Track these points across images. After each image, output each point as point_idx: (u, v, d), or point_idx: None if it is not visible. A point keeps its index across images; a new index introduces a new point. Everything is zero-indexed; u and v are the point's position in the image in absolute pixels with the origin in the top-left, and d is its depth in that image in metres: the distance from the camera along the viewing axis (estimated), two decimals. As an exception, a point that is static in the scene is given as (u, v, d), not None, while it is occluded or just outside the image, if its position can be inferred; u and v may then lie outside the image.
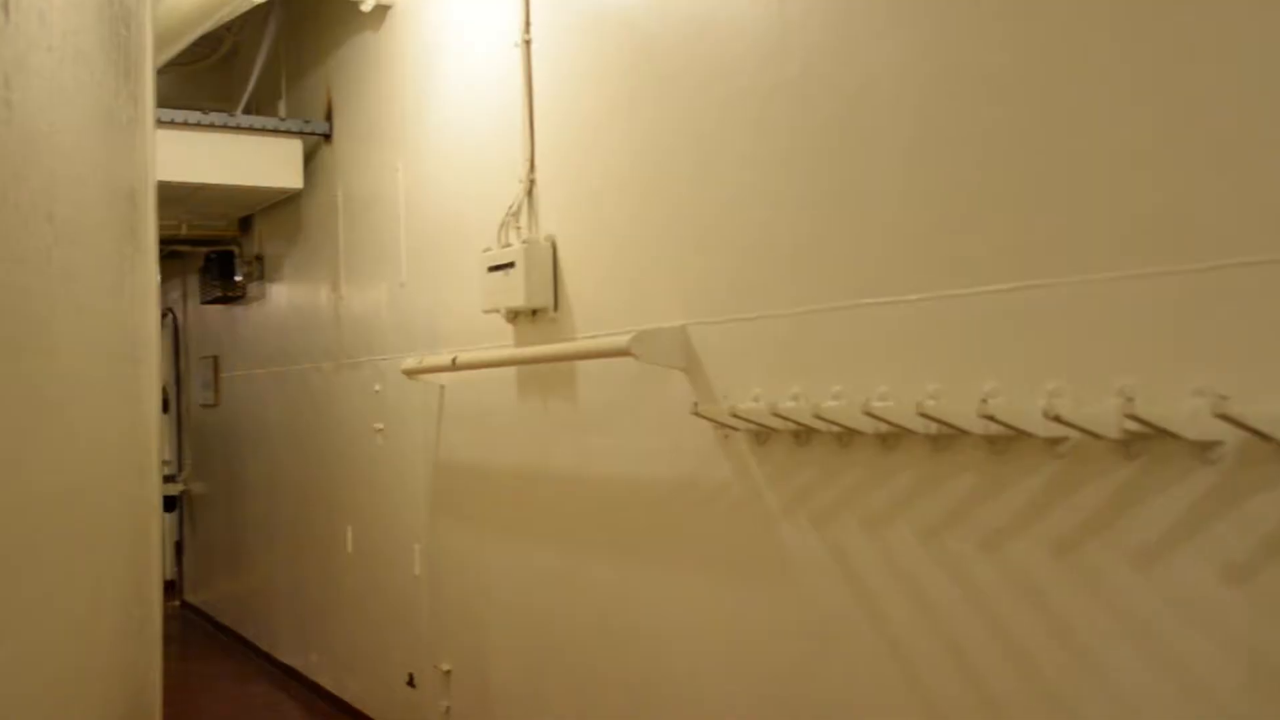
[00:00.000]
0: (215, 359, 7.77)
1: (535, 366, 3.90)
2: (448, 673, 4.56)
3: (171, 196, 5.80)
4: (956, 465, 2.35)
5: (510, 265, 3.83)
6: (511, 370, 4.03)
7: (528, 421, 3.97)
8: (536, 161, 3.91)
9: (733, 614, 3.00)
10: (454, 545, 4.54)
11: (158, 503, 2.66)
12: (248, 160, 5.61)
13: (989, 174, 2.28)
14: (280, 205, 6.44)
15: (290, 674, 6.38)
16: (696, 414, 2.93)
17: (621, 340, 3.15)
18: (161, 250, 7.49)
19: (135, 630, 2.85)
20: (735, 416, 2.79)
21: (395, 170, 5.02)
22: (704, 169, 3.09)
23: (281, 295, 6.56)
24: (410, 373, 4.53)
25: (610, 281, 3.53)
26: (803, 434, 2.73)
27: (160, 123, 5.23)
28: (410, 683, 4.87)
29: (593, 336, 3.53)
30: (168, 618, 9.03)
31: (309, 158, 5.95)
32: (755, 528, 2.91)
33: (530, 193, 3.94)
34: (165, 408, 9.29)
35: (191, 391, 8.45)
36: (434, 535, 4.70)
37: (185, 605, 8.71)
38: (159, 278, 5.06)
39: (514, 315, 3.96)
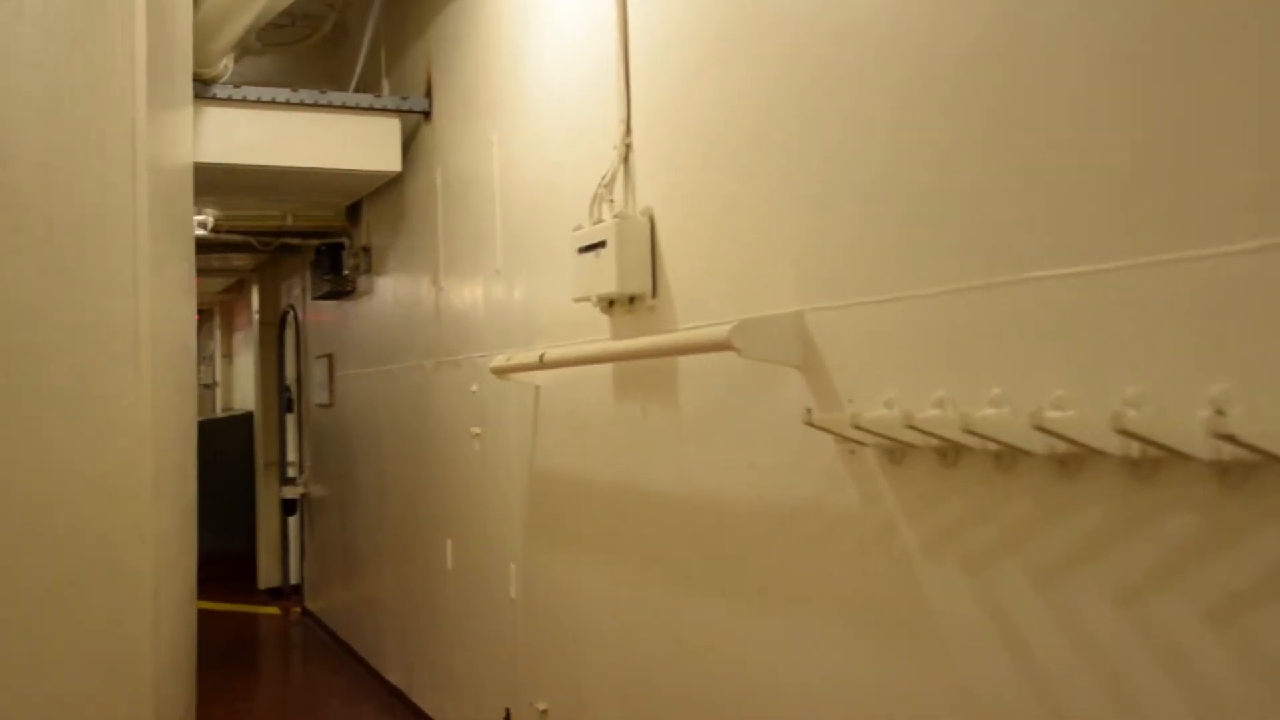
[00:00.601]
0: (330, 357, 7.44)
1: (631, 364, 3.33)
2: (544, 712, 4.02)
3: (264, 183, 5.43)
4: (1168, 501, 1.67)
5: (601, 245, 3.26)
6: (608, 369, 3.47)
7: (624, 428, 3.39)
8: (633, 123, 3.33)
9: (862, 674, 2.36)
10: (549, 567, 3.99)
11: (146, 532, 2.23)
12: (341, 142, 5.19)
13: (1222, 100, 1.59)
14: (384, 192, 6.03)
15: (396, 695, 5.96)
16: (810, 424, 2.30)
17: (720, 331, 2.54)
18: (269, 243, 7.21)
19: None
20: (860, 428, 2.15)
21: (490, 144, 4.51)
22: (821, 119, 2.46)
23: (387, 288, 6.15)
24: (499, 371, 4.00)
25: (716, 261, 2.92)
26: (950, 451, 2.08)
27: (245, 102, 4.84)
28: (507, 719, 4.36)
29: (695, 327, 2.93)
30: (290, 625, 8.85)
31: (410, 139, 5.51)
32: (889, 570, 2.26)
33: (626, 159, 3.36)
34: (290, 407, 9.08)
35: (311, 391, 8.17)
36: (530, 554, 4.17)
37: (306, 613, 8.44)
38: (192, 268, 4.68)
39: (609, 304, 3.39)
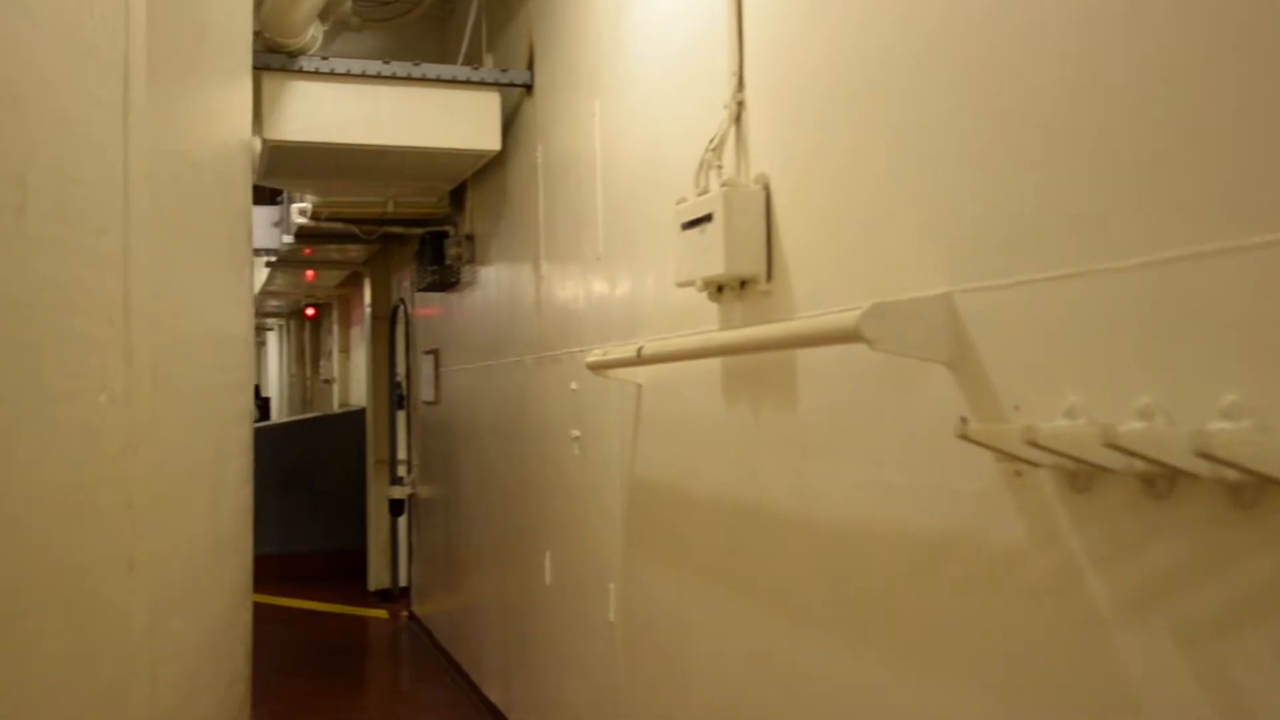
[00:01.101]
0: (436, 352, 7.11)
1: (741, 360, 2.83)
2: (643, 753, 3.55)
3: (358, 165, 5.08)
4: None
5: (707, 219, 2.77)
6: (715, 366, 2.98)
7: (734, 434, 2.90)
8: (746, 76, 2.83)
9: (1028, 761, 1.82)
10: (650, 590, 3.52)
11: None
12: (438, 119, 4.80)
13: None
14: (486, 175, 5.64)
15: (494, 714, 5.57)
16: (966, 437, 1.77)
17: (848, 319, 2.03)
18: (372, 232, 6.91)
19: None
20: (1035, 445, 1.62)
21: (591, 115, 4.06)
22: (987, 47, 1.93)
23: (490, 279, 5.76)
24: (595, 368, 3.55)
25: (844, 234, 2.41)
26: (1161, 478, 1.54)
27: (333, 75, 4.49)
28: (605, 755, 3.90)
29: (818, 315, 2.42)
30: (396, 630, 8.59)
31: (511, 117, 5.10)
32: (1070, 631, 1.72)
33: (738, 119, 2.86)
34: (401, 404, 8.81)
35: (419, 387, 7.87)
36: (630, 574, 3.70)
37: (412, 618, 8.15)
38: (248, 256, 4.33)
39: (717, 290, 2.90)
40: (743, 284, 2.79)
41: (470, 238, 6.06)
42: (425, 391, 7.48)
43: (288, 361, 15.35)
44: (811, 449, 2.51)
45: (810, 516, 2.51)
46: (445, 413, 6.93)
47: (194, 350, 2.53)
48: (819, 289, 2.50)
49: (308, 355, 14.37)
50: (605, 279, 3.94)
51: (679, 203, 2.96)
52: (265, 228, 8.03)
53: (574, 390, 4.24)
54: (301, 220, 6.33)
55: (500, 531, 5.53)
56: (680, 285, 2.94)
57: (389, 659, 7.74)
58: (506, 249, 5.40)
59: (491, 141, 4.92)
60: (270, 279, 10.35)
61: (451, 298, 6.62)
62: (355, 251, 8.67)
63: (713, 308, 2.96)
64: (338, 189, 5.79)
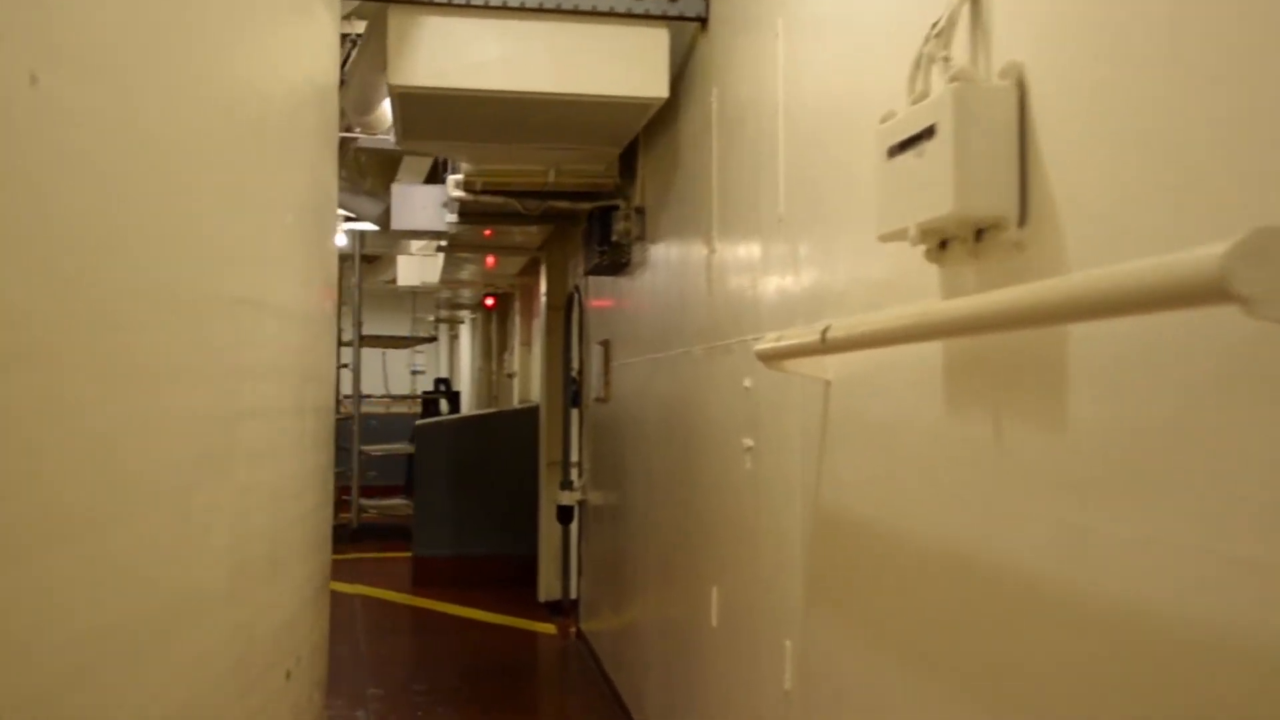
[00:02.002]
0: (606, 344, 6.35)
1: (974, 344, 1.91)
2: None
3: (503, 119, 4.34)
4: None
5: (927, 135, 1.86)
6: (934, 354, 2.06)
7: (961, 456, 1.98)
8: (989, -77, 1.91)
9: None
10: (838, 659, 2.62)
11: None
12: (594, 60, 4.01)
13: None
14: (658, 133, 4.84)
15: (655, 766, 4.76)
16: None
17: (1199, 260, 1.10)
18: (534, 208, 6.19)
19: None
20: None
21: (774, 36, 3.18)
22: None
23: (660, 257, 4.95)
24: (768, 358, 2.67)
25: (1154, 147, 1.46)
26: None
27: (469, 8, 3.76)
28: None
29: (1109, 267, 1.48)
30: (563, 648, 7.89)
31: (684, 59, 4.27)
32: None
33: (975, -9, 1.94)
34: (575, 401, 8.10)
35: (589, 383, 7.14)
36: (812, 632, 2.81)
37: (580, 636, 7.43)
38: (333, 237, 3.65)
39: (939, 245, 1.98)
40: (979, 233, 1.87)
41: (640, 211, 5.26)
42: (595, 387, 6.75)
43: (476, 354, 15.01)
44: (1093, 489, 1.57)
45: (1089, 596, 1.58)
46: (614, 411, 6.16)
47: (213, 325, 1.84)
48: (1108, 233, 1.56)
49: (493, 348, 13.95)
50: (787, 246, 3.05)
51: (884, 120, 2.06)
52: (433, 208, 7.46)
53: (747, 388, 3.38)
54: (457, 194, 5.66)
55: (665, 552, 4.71)
56: (885, 239, 2.04)
57: (552, 685, 7.04)
58: (677, 221, 4.57)
59: (658, 87, 4.09)
60: (451, 266, 9.84)
61: (621, 282, 5.85)
62: (530, 234, 8.02)
63: (930, 272, 2.05)
64: (487, 154, 5.07)
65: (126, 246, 1.52)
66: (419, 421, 9.83)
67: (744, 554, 3.44)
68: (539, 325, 9.24)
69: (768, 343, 2.65)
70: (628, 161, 5.42)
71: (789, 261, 3.03)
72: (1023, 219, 1.77)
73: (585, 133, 4.62)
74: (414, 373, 17.69)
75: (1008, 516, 1.82)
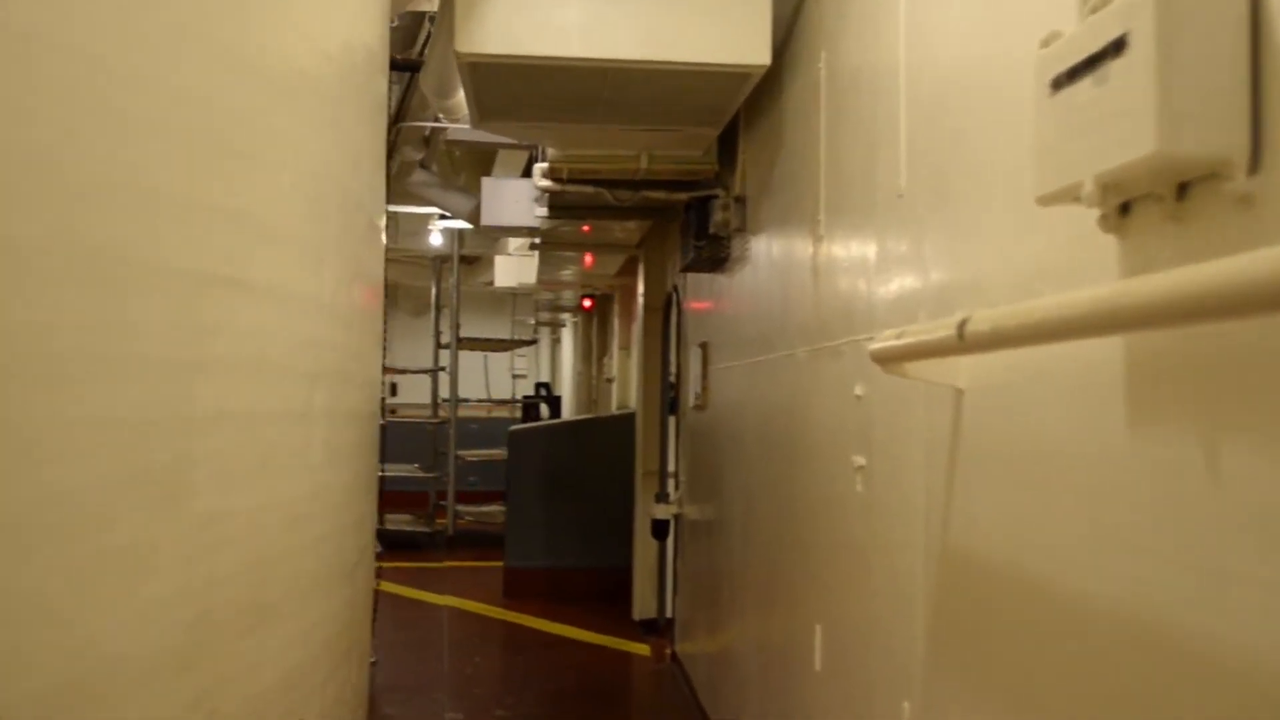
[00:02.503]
0: (704, 346, 5.88)
1: (1174, 339, 1.39)
2: None
3: (586, 94, 3.91)
4: None
5: (1112, 52, 1.35)
6: (1112, 354, 1.55)
7: (1155, 490, 1.46)
8: None
9: None
10: (971, 736, 2.11)
11: None
12: (685, 22, 3.55)
13: None
14: (759, 113, 4.36)
15: (751, 818, 4.26)
16: None
17: None
18: (625, 198, 5.74)
19: None
20: None
21: (892, -20, 2.68)
22: None
23: (761, 250, 4.46)
24: (886, 359, 2.17)
25: None
26: None
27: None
28: None
29: None
30: (656, 672, 7.41)
31: (787, 25, 3.78)
32: None
33: None
34: (673, 408, 7.65)
35: (687, 388, 6.68)
36: (933, 695, 2.29)
37: (675, 659, 6.95)
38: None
39: (1120, 208, 1.48)
40: (1181, 187, 1.36)
41: (741, 201, 4.77)
42: (692, 393, 6.28)
43: (577, 359, 14.65)
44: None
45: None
46: (711, 419, 5.69)
47: (152, 304, 1.43)
48: None
49: (593, 352, 13.58)
50: (908, 226, 2.55)
51: (1045, 44, 1.55)
52: (525, 203, 7.08)
53: (859, 397, 2.87)
54: (544, 183, 5.25)
55: (764, 577, 4.22)
56: (1046, 201, 1.54)
57: (643, 714, 6.58)
58: (780, 209, 4.08)
59: (758, 54, 3.60)
60: (547, 266, 9.47)
61: (720, 280, 5.38)
62: (628, 231, 7.58)
63: (1105, 246, 1.54)
64: (572, 137, 4.63)
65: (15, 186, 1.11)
66: (513, 427, 9.48)
67: (853, 591, 2.94)
68: (637, 328, 8.80)
69: (885, 341, 2.15)
70: (727, 147, 4.94)
71: (911, 245, 2.53)
72: (1255, 163, 1.26)
73: (678, 110, 4.15)
74: (515, 377, 17.43)
75: (1226, 577, 1.30)
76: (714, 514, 5.60)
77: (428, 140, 7.29)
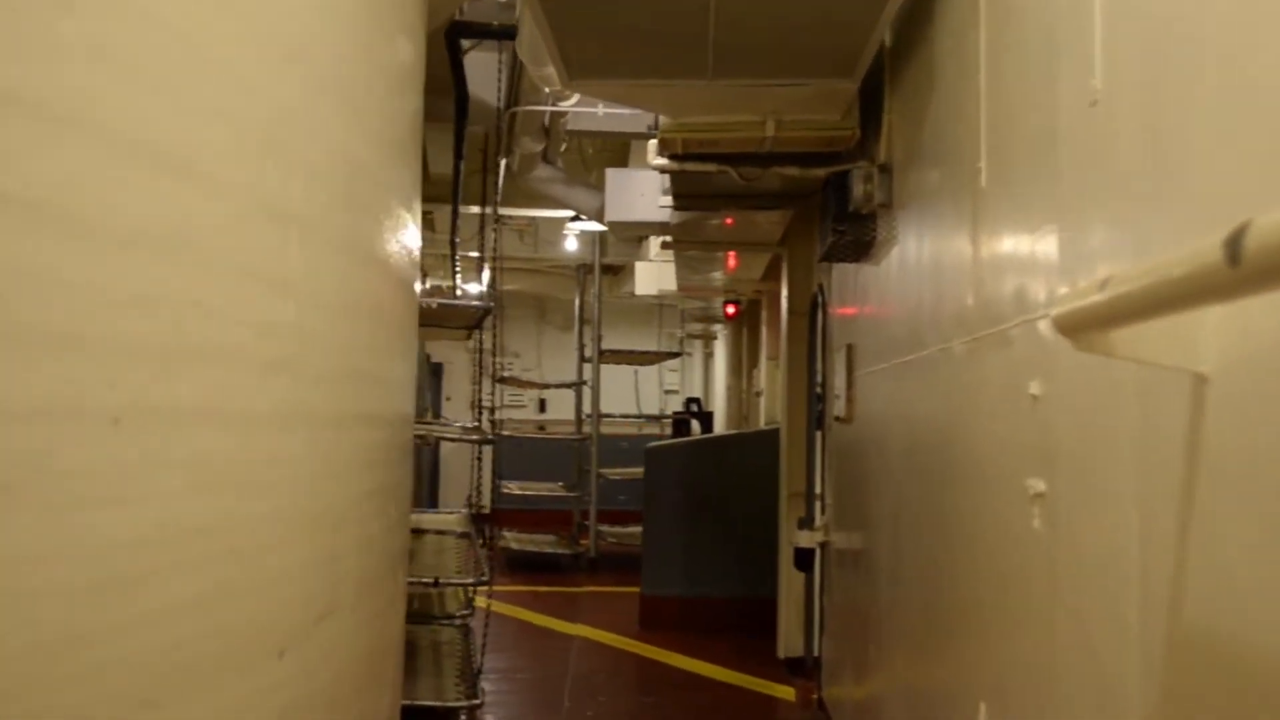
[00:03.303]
0: (849, 349, 5.08)
1: None
2: None
3: (695, 32, 3.19)
4: None
5: None
6: None
7: None
8: None
9: None
10: None
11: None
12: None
13: None
14: (906, 59, 3.57)
15: None
16: None
17: None
18: (752, 176, 4.98)
19: None
20: None
21: None
22: None
23: (911, 227, 3.66)
24: (1078, 328, 1.38)
25: None
26: None
27: None
28: None
29: None
30: None
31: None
32: None
33: None
34: (820, 423, 6.83)
35: (831, 399, 5.87)
36: None
37: (822, 706, 6.12)
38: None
39: None
40: None
41: (886, 170, 3.98)
42: (838, 404, 5.48)
43: (728, 371, 13.91)
44: None
45: None
46: (857, 434, 4.88)
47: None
48: None
49: (743, 363, 12.80)
50: (1105, 145, 1.75)
51: None
52: (653, 194, 6.41)
53: (1035, 397, 2.07)
54: (658, 161, 4.55)
55: (914, 626, 3.41)
56: None
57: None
58: (931, 169, 3.28)
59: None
60: (685, 269, 8.76)
61: (866, 271, 4.58)
62: (770, 223, 6.79)
63: None
64: (681, 99, 3.88)
65: None
66: (650, 445, 8.79)
67: (1030, 666, 2.12)
68: (783, 335, 8.01)
69: (1079, 299, 1.36)
70: (870, 109, 4.16)
71: (1110, 173, 1.72)
72: None
73: (805, 54, 3.40)
74: (667, 392, 16.81)
75: None
76: (860, 543, 4.79)
77: (547, 130, 6.69)
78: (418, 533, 7.35)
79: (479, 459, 7.20)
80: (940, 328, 3.03)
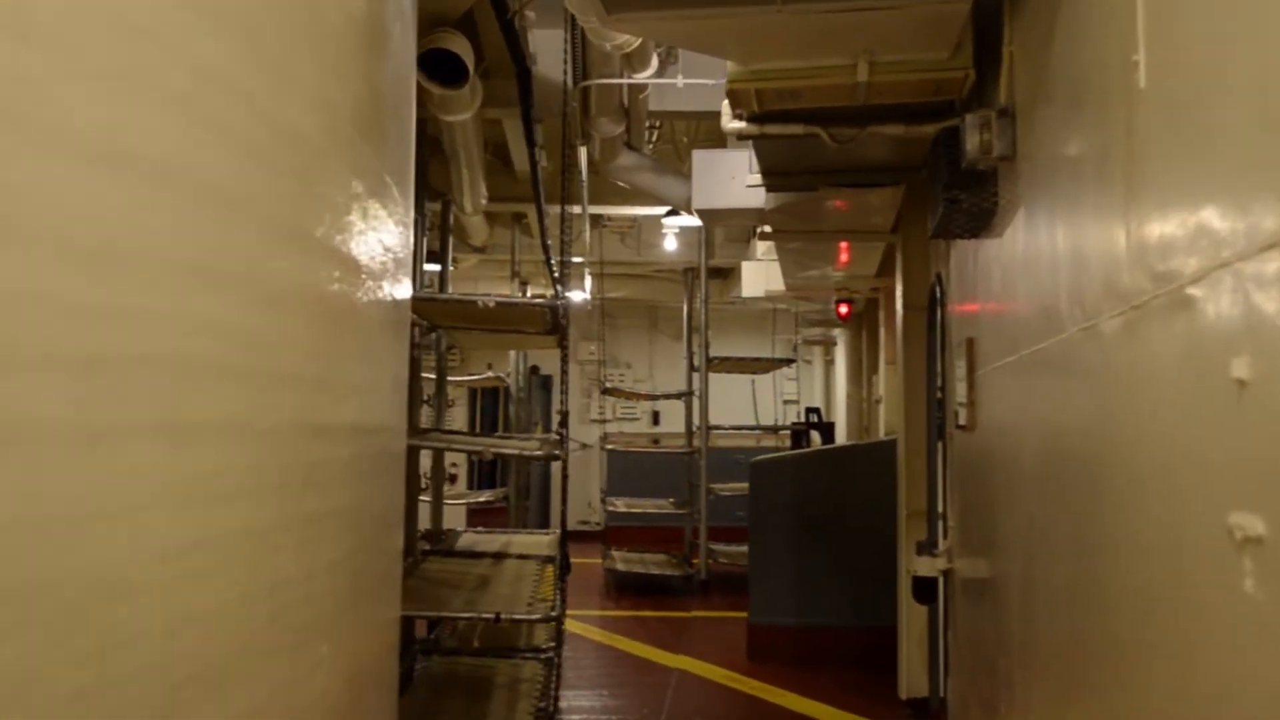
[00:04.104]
0: (969, 344, 4.29)
1: None
2: None
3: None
4: None
5: None
6: None
7: None
8: None
9: None
10: None
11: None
12: None
13: None
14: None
15: None
16: None
17: None
18: (847, 137, 4.20)
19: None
20: None
21: None
22: None
23: (1038, 183, 2.89)
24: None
25: None
26: None
27: None
28: None
29: None
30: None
31: None
32: None
33: None
34: (940, 433, 6.01)
35: (952, 403, 5.07)
36: None
37: (950, 760, 5.29)
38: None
39: None
40: None
41: (1007, 114, 3.20)
42: (958, 409, 4.68)
43: (849, 378, 13.03)
44: None
45: None
46: (980, 444, 4.09)
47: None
48: None
49: (863, 369, 11.93)
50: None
51: None
52: (744, 176, 5.70)
53: (1242, 384, 1.31)
54: (733, 126, 3.85)
55: (1055, 690, 2.62)
56: None
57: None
58: (1063, 95, 2.51)
59: None
60: (791, 265, 8.00)
61: (986, 248, 3.80)
62: (883, 201, 5.98)
63: None
64: (750, 38, 3.15)
65: None
66: (755, 459, 8.03)
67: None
68: (899, 335, 7.17)
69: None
70: (986, 45, 3.39)
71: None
72: None
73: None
74: (785, 402, 15.99)
75: None
76: (986, 572, 4.00)
77: (626, 110, 6.03)
78: (498, 558, 6.76)
79: (566, 475, 6.54)
80: (1082, 301, 2.26)
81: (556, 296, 5.09)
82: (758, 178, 4.79)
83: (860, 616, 7.30)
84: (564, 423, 5.99)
